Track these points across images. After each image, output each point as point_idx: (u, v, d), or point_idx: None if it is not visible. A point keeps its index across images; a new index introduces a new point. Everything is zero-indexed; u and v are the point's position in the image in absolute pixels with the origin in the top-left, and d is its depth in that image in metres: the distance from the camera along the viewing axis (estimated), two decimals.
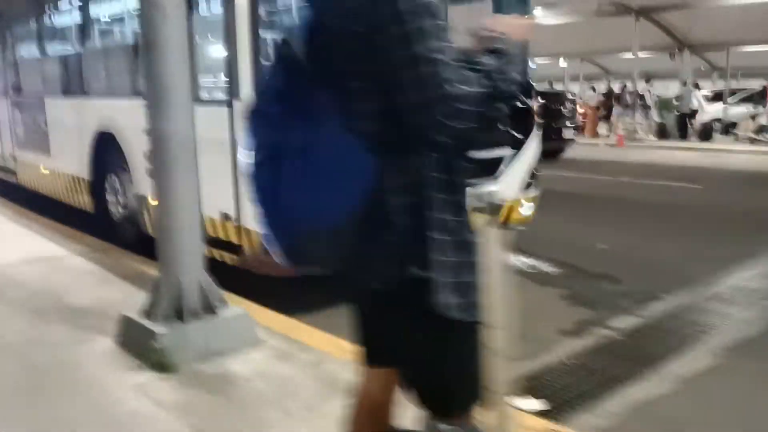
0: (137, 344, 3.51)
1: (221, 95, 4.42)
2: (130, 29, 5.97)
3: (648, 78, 23.70)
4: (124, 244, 6.08)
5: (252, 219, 4.35)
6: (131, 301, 4.45)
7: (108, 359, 3.53)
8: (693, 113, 19.91)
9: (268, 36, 4.29)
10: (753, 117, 19.20)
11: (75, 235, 6.54)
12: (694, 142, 18.77)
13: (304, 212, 1.41)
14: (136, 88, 5.54)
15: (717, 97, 21.12)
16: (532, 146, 5.62)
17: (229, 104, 4.38)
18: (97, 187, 6.59)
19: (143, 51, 3.48)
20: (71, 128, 6.88)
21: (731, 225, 7.68)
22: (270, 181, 1.43)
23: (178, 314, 3.51)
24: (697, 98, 19.98)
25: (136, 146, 5.70)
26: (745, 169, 13.60)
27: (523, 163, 5.54)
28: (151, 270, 5.26)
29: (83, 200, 6.94)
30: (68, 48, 7.24)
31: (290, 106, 1.41)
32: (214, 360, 3.45)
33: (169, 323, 3.48)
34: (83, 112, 6.60)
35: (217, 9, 4.38)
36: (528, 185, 5.64)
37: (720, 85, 23.03)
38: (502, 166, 5.37)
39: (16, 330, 3.99)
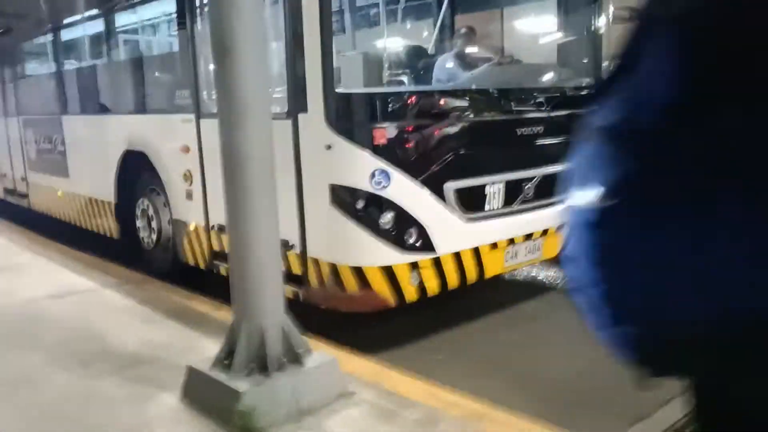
0: (213, 403, 2.98)
1: (285, 107, 3.91)
2: (167, 36, 5.47)
3: None
4: (156, 275, 5.55)
5: (318, 247, 3.84)
6: (184, 344, 3.94)
7: (177, 421, 2.99)
8: None
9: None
10: None
11: (99, 264, 5.99)
12: None
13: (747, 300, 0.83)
14: (175, 103, 5.03)
15: None
16: None
17: (294, 118, 3.88)
18: (123, 212, 6.05)
19: (216, 58, 2.97)
20: (94, 148, 6.34)
21: None
22: (659, 243, 0.87)
23: (261, 366, 2.98)
24: None
25: (172, 167, 5.18)
26: None
27: None
28: (196, 305, 4.73)
29: (107, 225, 6.39)
30: (90, 61, 6.73)
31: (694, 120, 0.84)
32: (306, 420, 2.92)
33: (251, 377, 2.95)
34: (109, 131, 6.07)
35: (281, 12, 3.89)
36: None
37: None
38: None
39: (60, 383, 3.45)
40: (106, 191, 6.16)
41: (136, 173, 5.75)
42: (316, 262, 3.96)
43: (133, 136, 5.62)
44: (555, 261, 4.83)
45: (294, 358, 3.07)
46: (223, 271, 4.87)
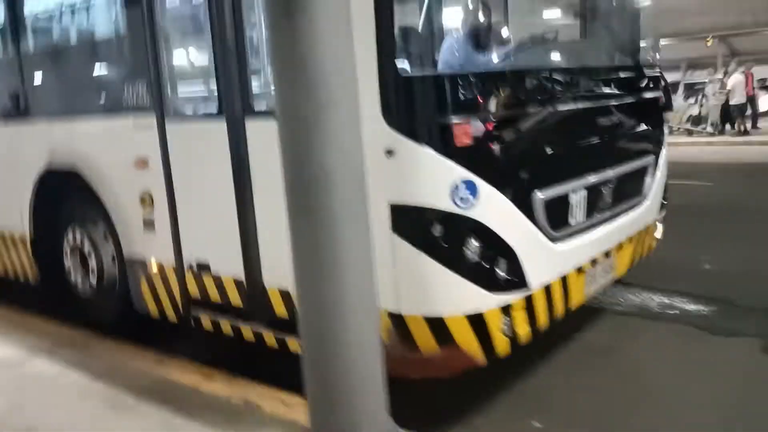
0: None
1: None
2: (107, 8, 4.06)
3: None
4: (96, 329, 4.18)
5: (388, 297, 2.71)
6: None
7: None
8: None
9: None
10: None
11: (14, 320, 4.52)
12: None
13: None
14: (123, 101, 3.70)
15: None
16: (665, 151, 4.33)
17: None
18: (44, 248, 4.60)
19: (274, 22, 1.80)
20: None
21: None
22: None
23: None
24: None
25: (121, 188, 3.86)
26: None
27: (663, 175, 4.24)
28: (176, 374, 3.46)
29: (19, 267, 4.89)
30: None
31: None
32: None
33: None
34: (21, 142, 4.58)
35: None
36: (663, 204, 4.34)
37: None
38: (647, 179, 4.04)
39: None
40: (16, 222, 4.67)
41: (63, 197, 4.34)
42: (386, 316, 2.83)
43: (58, 147, 4.20)
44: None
45: None
46: (207, 325, 3.63)
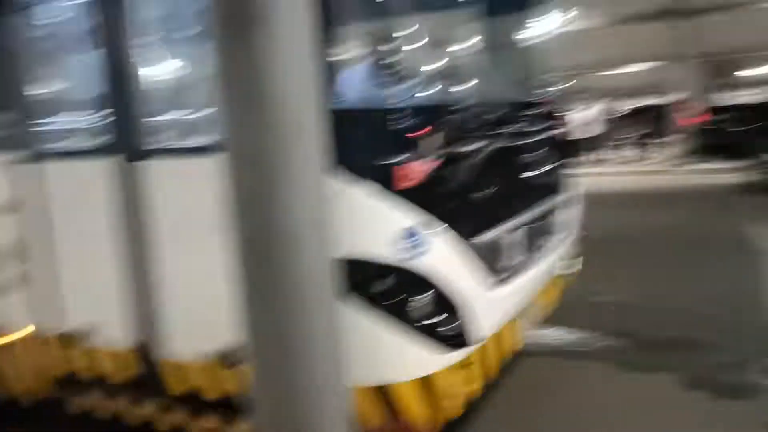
0: None
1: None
2: None
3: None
4: None
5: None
6: None
7: None
8: None
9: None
10: None
11: None
12: None
13: None
14: None
15: None
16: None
17: None
18: None
19: (226, 34, 1.39)
20: None
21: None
22: None
23: None
24: None
25: None
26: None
27: (578, 209, 4.15)
28: None
29: None
30: None
31: None
32: None
33: None
34: None
35: None
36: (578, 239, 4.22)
37: None
38: (565, 214, 3.93)
39: None
40: None
41: None
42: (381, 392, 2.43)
43: None
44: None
45: None
46: (76, 407, 3.01)
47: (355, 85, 2.79)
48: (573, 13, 14.29)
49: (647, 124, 20.79)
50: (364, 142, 2.34)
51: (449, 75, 3.58)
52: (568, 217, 3.99)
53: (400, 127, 2.43)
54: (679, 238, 7.78)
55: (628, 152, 20.28)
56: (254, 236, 1.44)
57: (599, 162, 18.25)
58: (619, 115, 20.39)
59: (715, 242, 7.27)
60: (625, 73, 22.72)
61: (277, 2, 1.35)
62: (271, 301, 1.46)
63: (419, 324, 2.39)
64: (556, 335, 4.54)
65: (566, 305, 4.60)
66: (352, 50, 2.70)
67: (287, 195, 1.40)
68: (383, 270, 2.33)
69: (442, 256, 2.48)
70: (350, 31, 2.58)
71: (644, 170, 17.29)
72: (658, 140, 20.72)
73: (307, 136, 1.44)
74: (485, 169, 2.85)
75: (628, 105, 23.34)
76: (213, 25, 1.57)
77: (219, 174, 1.68)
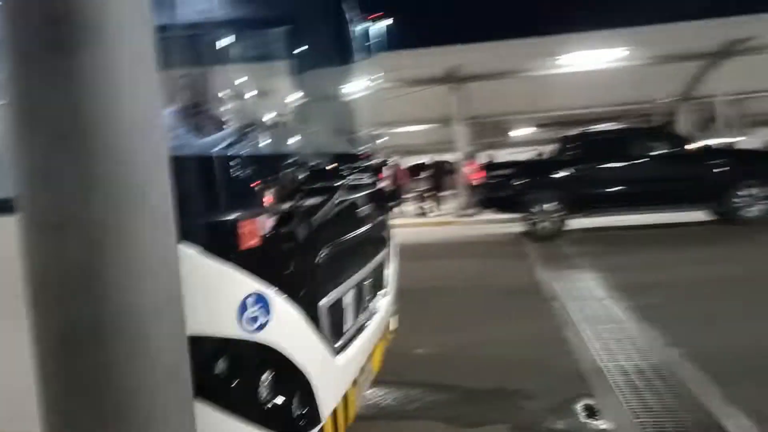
0: None
1: None
2: None
3: None
4: None
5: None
6: None
7: None
8: None
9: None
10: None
11: None
12: None
13: None
14: None
15: None
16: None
17: None
18: None
19: (47, 50, 1.01)
20: None
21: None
22: None
23: None
24: None
25: None
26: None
27: (396, 265, 4.09)
28: None
29: None
30: None
31: None
32: None
33: None
34: None
35: None
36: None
37: None
38: (386, 271, 3.84)
39: None
40: None
41: None
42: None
43: None
44: None
45: None
46: None
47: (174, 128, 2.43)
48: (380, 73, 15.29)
49: (432, 179, 22.53)
50: (203, 197, 1.98)
51: (279, 126, 3.34)
52: (391, 271, 3.90)
53: (233, 177, 2.12)
54: (477, 286, 8.22)
55: (417, 205, 21.75)
56: (72, 328, 1.05)
57: (395, 214, 19.37)
58: (405, 169, 22.62)
59: (516, 288, 7.77)
60: (414, 132, 24.59)
61: (107, 17, 1.02)
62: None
63: (265, 409, 2.06)
64: (383, 394, 4.39)
65: (390, 361, 4.47)
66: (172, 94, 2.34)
67: (127, 270, 1.04)
68: (225, 348, 1.97)
69: (286, 328, 2.18)
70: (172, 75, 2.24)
71: (435, 222, 18.42)
72: (441, 194, 22.53)
73: (146, 193, 1.10)
74: (324, 224, 2.63)
75: (414, 161, 25.44)
76: (8, 49, 1.18)
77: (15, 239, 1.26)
